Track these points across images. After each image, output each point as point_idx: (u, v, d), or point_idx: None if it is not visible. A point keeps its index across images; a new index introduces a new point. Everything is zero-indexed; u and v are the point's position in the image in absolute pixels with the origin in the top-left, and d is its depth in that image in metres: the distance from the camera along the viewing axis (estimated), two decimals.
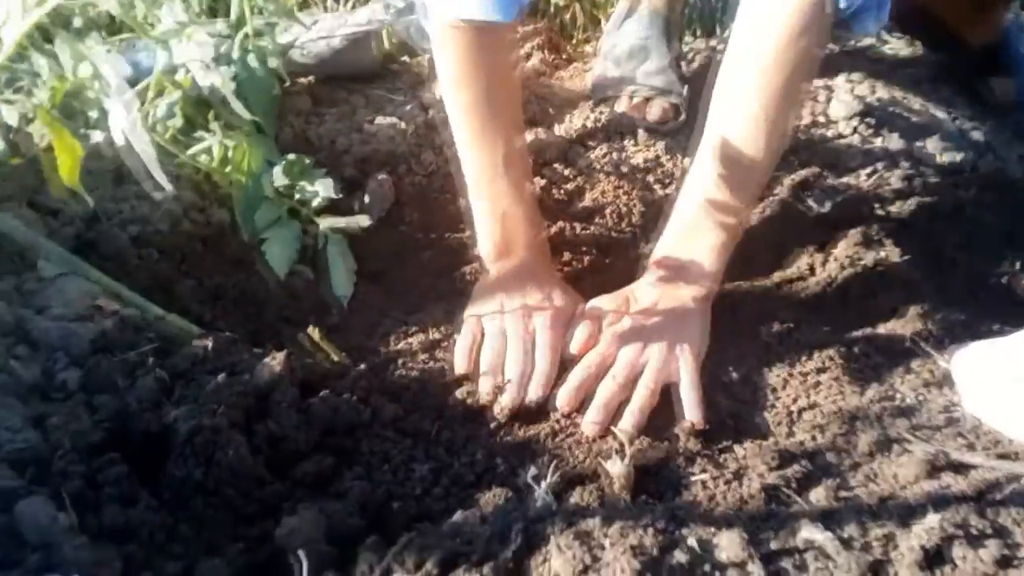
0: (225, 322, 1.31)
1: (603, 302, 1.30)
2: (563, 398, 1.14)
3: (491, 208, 1.35)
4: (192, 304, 1.28)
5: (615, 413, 1.13)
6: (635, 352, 1.18)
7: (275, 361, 1.05)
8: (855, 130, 1.89)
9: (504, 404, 1.14)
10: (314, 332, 1.11)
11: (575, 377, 1.16)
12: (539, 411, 1.16)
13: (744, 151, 1.19)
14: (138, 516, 0.79)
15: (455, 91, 1.30)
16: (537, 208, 1.41)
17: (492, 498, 0.93)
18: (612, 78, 1.85)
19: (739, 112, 1.20)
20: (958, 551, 0.77)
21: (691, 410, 1.14)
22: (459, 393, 1.18)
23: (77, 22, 1.27)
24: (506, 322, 1.25)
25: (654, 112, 1.80)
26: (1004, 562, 0.76)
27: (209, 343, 1.06)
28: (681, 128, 1.82)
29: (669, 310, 1.23)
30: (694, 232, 1.26)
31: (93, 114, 1.34)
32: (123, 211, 1.33)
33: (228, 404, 0.93)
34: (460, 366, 1.22)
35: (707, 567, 0.76)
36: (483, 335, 1.26)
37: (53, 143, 1.00)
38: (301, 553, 0.75)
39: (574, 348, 1.22)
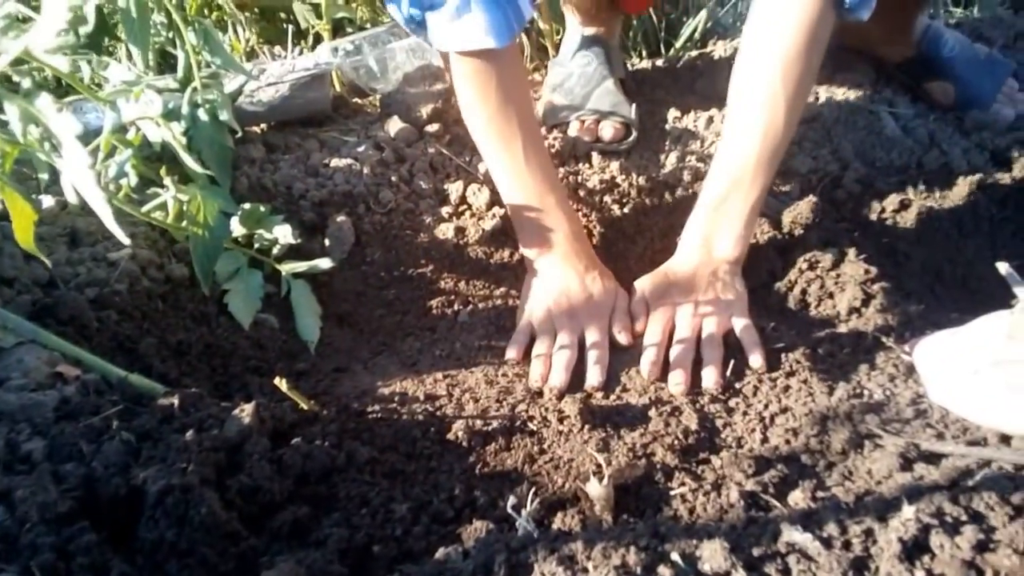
0: (191, 378, 1.29)
1: (646, 281, 1.45)
2: (647, 369, 1.29)
3: (524, 207, 1.47)
4: (155, 362, 1.26)
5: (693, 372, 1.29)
6: (691, 317, 1.36)
7: (244, 413, 1.04)
8: (803, 136, 1.93)
9: (552, 384, 1.29)
10: (281, 382, 1.10)
11: (649, 352, 1.32)
12: (515, 434, 1.16)
13: (766, 128, 1.34)
14: None
15: (473, 110, 1.44)
16: (567, 198, 1.53)
17: (474, 531, 0.92)
18: (562, 105, 1.88)
19: (761, 94, 1.34)
20: (936, 540, 0.78)
21: (753, 356, 1.30)
22: (433, 429, 1.18)
23: (25, 83, 1.26)
24: (555, 320, 1.41)
25: (606, 132, 1.82)
26: (981, 546, 0.76)
27: (175, 400, 1.04)
28: (634, 146, 1.85)
29: (710, 274, 1.40)
30: (723, 204, 1.40)
31: (44, 176, 1.33)
32: (80, 274, 1.32)
33: (198, 461, 0.92)
34: (511, 355, 1.39)
35: None
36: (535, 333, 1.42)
37: (8, 208, 0.99)
38: None
39: (639, 327, 1.39)
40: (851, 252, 1.53)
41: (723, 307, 1.37)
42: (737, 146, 1.38)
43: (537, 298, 1.45)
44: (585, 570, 0.76)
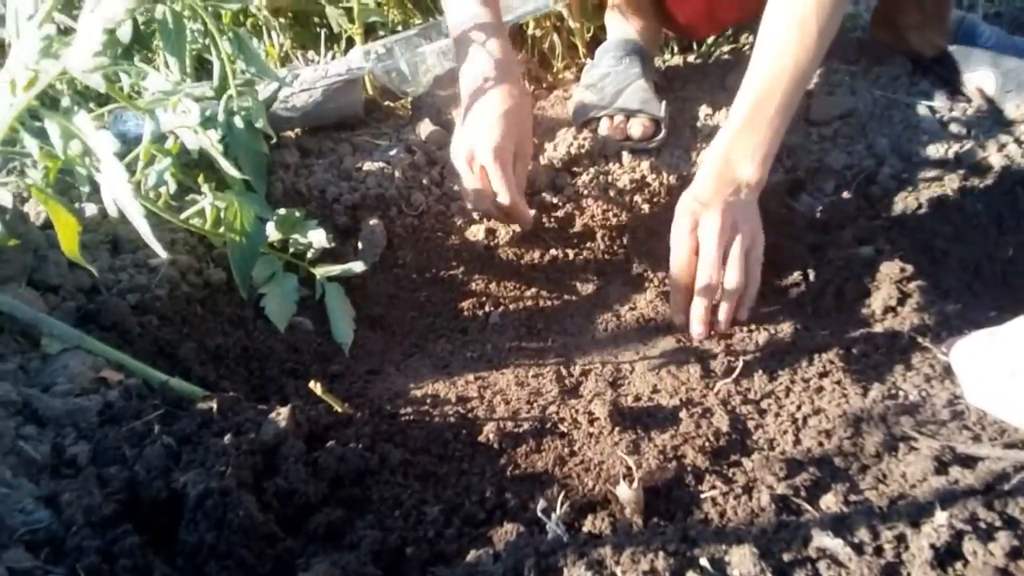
0: (229, 381, 1.32)
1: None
2: (677, 317, 1.46)
3: (465, 37, 1.58)
4: (195, 366, 1.29)
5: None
6: (715, 251, 1.40)
7: (280, 416, 1.06)
8: (838, 132, 1.91)
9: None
10: (315, 386, 1.12)
11: (676, 296, 1.46)
12: (545, 436, 1.17)
13: (795, 55, 1.36)
14: None
15: None
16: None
17: (504, 534, 0.93)
18: (592, 103, 1.88)
19: (791, 22, 1.36)
20: (969, 546, 0.77)
21: (742, 309, 1.44)
22: (464, 431, 1.19)
23: (65, 101, 1.29)
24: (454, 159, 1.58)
25: (635, 130, 1.82)
26: (1015, 553, 0.76)
27: (214, 404, 1.07)
28: (664, 144, 1.84)
29: (730, 194, 1.41)
30: (746, 127, 1.41)
31: (85, 188, 1.37)
32: (121, 280, 1.35)
33: (236, 464, 0.94)
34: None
35: None
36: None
37: (52, 219, 1.02)
38: None
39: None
40: (887, 249, 1.51)
41: (744, 229, 1.41)
42: (764, 71, 1.39)
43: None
44: (614, 575, 0.77)
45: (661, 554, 0.79)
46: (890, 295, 1.41)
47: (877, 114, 1.93)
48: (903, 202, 1.73)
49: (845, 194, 1.66)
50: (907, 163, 1.81)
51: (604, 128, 1.85)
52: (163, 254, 1.04)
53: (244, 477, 0.94)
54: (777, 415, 1.19)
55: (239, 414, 1.08)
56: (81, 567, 0.78)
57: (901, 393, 1.19)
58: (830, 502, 0.95)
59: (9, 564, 0.76)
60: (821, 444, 1.10)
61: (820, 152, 1.86)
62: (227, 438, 1.00)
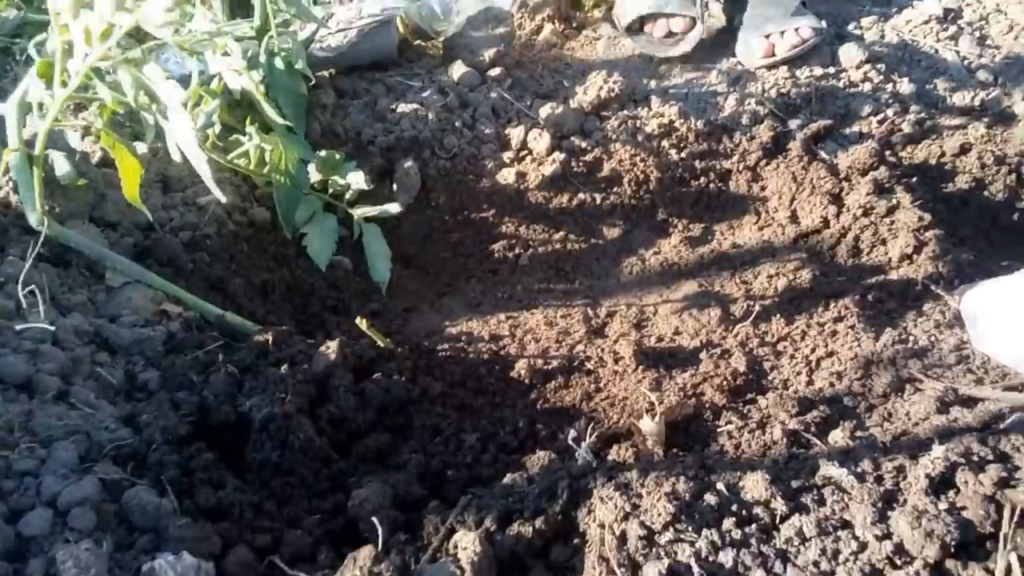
0: (275, 315, 1.41)
1: None
2: None
3: None
4: (244, 301, 1.38)
5: None
6: None
7: (329, 350, 1.15)
8: (866, 76, 1.93)
9: None
10: (361, 322, 1.20)
11: None
12: (573, 373, 1.25)
13: None
14: (228, 497, 0.89)
15: None
16: None
17: (537, 460, 1.02)
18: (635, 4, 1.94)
19: None
20: (962, 477, 0.84)
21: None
22: (497, 367, 1.27)
23: (135, 53, 1.32)
24: None
25: (676, 26, 1.90)
26: (1003, 483, 0.83)
27: (269, 337, 1.16)
28: (700, 43, 1.90)
29: None
30: None
31: (150, 134, 1.43)
32: (173, 218, 1.43)
33: (293, 392, 1.03)
34: None
35: (735, 507, 0.85)
36: None
37: (116, 162, 1.09)
38: (375, 520, 0.85)
39: None
40: (906, 199, 1.55)
41: None
42: None
43: None
44: (639, 496, 0.85)
45: (682, 478, 0.87)
46: (907, 243, 1.46)
47: (905, 59, 1.94)
48: (926, 150, 1.76)
49: (868, 142, 1.69)
50: (932, 110, 1.83)
51: (648, 27, 1.91)
52: (222, 198, 1.11)
53: (301, 404, 1.03)
54: (792, 357, 1.27)
55: (292, 347, 1.16)
56: (165, 479, 0.88)
57: (911, 338, 1.25)
58: (838, 437, 1.03)
59: (101, 475, 0.86)
60: (832, 384, 1.18)
61: (847, 98, 1.88)
62: (283, 368, 1.09)
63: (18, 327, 1.01)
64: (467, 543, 0.83)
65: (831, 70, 1.95)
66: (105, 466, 0.88)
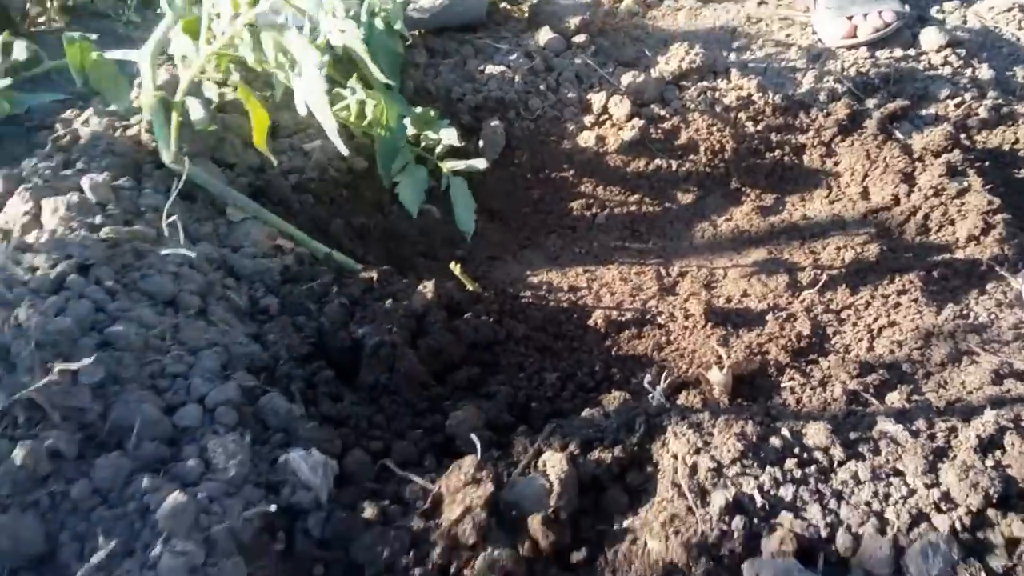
0: (372, 256, 1.53)
1: None
2: None
3: None
4: (344, 241, 1.50)
5: None
6: None
7: (427, 289, 1.26)
8: (946, 60, 1.95)
9: None
10: (455, 266, 1.31)
11: None
12: (645, 326, 1.35)
13: None
14: (346, 409, 1.02)
15: None
16: None
17: (613, 399, 1.13)
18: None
19: None
20: (1009, 439, 0.92)
21: None
22: (575, 316, 1.38)
23: (282, 18, 1.40)
24: None
25: (888, 15, 1.94)
26: None
27: (374, 275, 1.27)
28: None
29: None
30: None
31: (279, 91, 1.54)
32: (282, 162, 1.55)
33: (398, 324, 1.15)
34: None
35: (796, 450, 0.94)
36: None
37: (250, 114, 1.22)
38: (474, 436, 0.97)
39: None
40: (977, 182, 1.59)
41: None
42: None
43: None
44: (710, 434, 0.95)
45: (750, 422, 0.96)
46: (975, 225, 1.51)
47: (987, 44, 1.95)
48: (1000, 136, 1.79)
49: (944, 125, 1.73)
50: (1010, 96, 1.85)
51: (860, 21, 1.95)
52: (344, 151, 1.22)
53: (404, 336, 1.15)
54: (855, 325, 1.34)
55: (393, 284, 1.28)
56: (293, 389, 1.01)
57: (972, 314, 1.32)
58: (895, 399, 1.12)
59: (240, 383, 0.99)
60: (892, 352, 1.25)
61: (925, 80, 1.91)
62: (388, 303, 1.21)
63: (162, 252, 1.14)
64: (555, 462, 0.94)
65: (911, 52, 1.98)
66: (242, 375, 1.02)
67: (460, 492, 0.89)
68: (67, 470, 0.84)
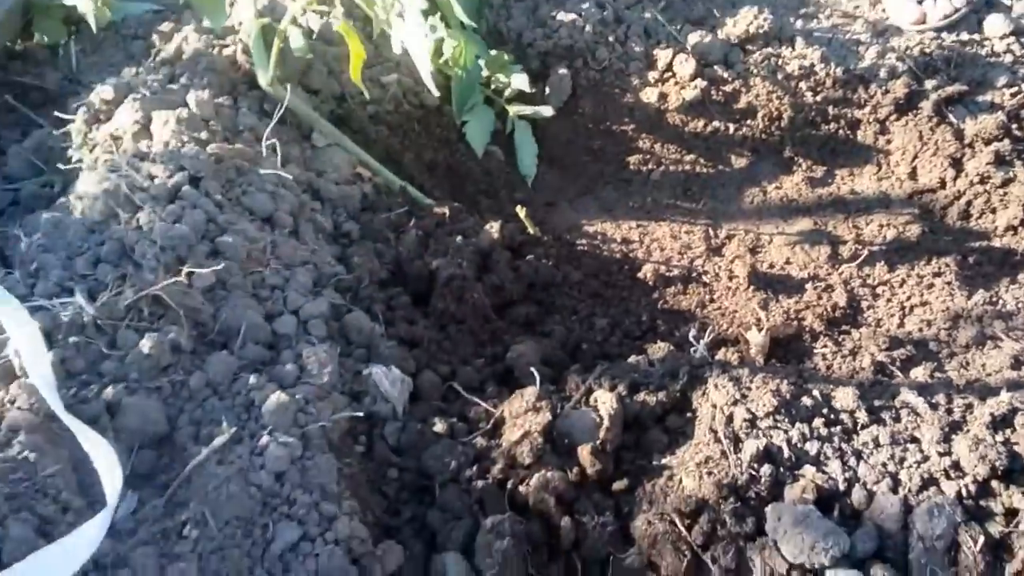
0: (439, 191, 1.62)
1: None
2: None
3: None
4: (415, 174, 1.59)
5: None
6: None
7: (493, 229, 1.36)
8: (1008, 48, 1.97)
9: None
10: (521, 210, 1.41)
11: None
12: (691, 283, 1.44)
13: None
14: (419, 332, 1.13)
15: None
16: None
17: (659, 348, 1.23)
18: None
19: None
20: (1020, 420, 1.02)
21: None
22: (626, 267, 1.47)
23: None
24: None
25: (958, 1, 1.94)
26: None
27: (446, 210, 1.37)
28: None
29: None
30: None
31: (378, 30, 1.60)
32: (361, 92, 1.63)
33: (468, 259, 1.25)
34: None
35: (825, 410, 1.04)
36: None
37: (350, 47, 1.29)
38: (533, 369, 1.08)
39: None
40: (1022, 173, 1.65)
41: None
42: None
43: None
44: (748, 388, 1.06)
45: (784, 381, 1.06)
46: (1015, 215, 1.57)
47: None
48: None
49: (997, 114, 1.77)
50: None
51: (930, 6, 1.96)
52: (435, 91, 1.30)
53: (473, 270, 1.25)
54: (889, 301, 1.43)
55: (463, 221, 1.38)
56: (376, 309, 1.12)
57: (1001, 302, 1.39)
58: (919, 373, 1.21)
59: (328, 299, 1.10)
60: (921, 330, 1.34)
61: (985, 67, 1.94)
62: (459, 239, 1.31)
63: (260, 171, 1.24)
64: (605, 399, 1.05)
65: (975, 37, 2.00)
66: (330, 292, 1.13)
67: (521, 418, 1.01)
68: (184, 362, 0.96)
